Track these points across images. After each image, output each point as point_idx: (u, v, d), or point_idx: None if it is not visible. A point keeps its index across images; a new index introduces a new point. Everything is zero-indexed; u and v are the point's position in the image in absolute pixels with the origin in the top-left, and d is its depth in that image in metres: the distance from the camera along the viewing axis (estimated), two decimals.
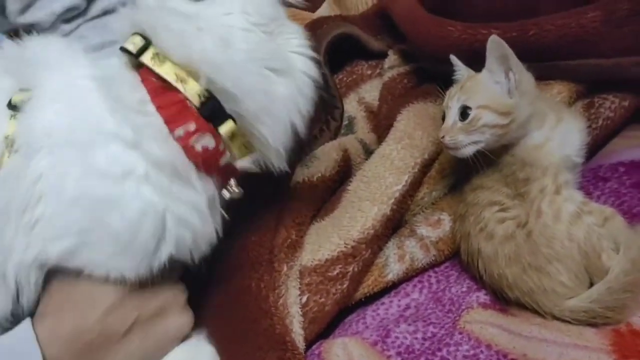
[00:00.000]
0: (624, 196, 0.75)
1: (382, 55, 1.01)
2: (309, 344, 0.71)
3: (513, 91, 0.69)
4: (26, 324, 0.52)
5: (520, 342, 0.64)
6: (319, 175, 0.83)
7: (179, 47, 0.55)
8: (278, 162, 0.63)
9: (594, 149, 0.82)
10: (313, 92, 0.63)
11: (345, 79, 1.03)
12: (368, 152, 0.90)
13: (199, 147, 0.56)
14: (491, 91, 0.70)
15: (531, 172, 0.70)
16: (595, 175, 0.79)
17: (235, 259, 0.71)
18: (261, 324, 0.65)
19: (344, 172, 0.86)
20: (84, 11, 0.72)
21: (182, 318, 0.60)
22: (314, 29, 1.01)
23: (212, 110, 0.56)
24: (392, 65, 0.98)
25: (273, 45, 0.59)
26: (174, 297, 0.59)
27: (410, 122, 0.82)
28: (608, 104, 0.81)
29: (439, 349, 0.66)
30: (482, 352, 0.64)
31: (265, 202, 0.75)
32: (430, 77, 0.93)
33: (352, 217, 0.75)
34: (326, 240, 0.74)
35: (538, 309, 0.67)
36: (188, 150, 0.55)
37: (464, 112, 0.69)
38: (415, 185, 0.78)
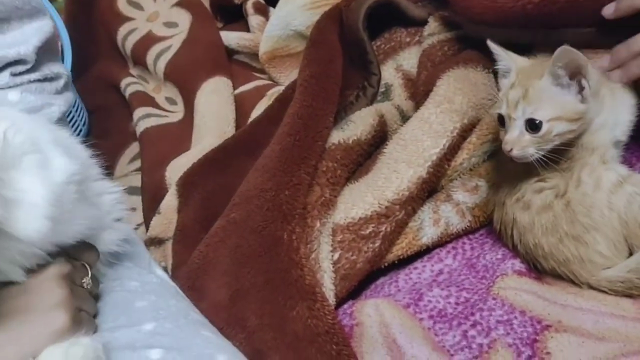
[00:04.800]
0: None
1: (422, 23, 0.99)
2: (340, 303, 0.71)
3: (587, 97, 0.65)
4: None
5: (555, 309, 0.64)
6: (355, 138, 0.82)
7: None
8: None
9: None
10: None
11: (383, 46, 1.02)
12: (405, 119, 0.89)
13: None
14: (560, 100, 0.65)
15: (577, 151, 0.67)
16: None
17: (267, 211, 0.71)
18: (291, 274, 0.66)
19: (380, 137, 0.86)
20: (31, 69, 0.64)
21: (50, 317, 0.51)
22: None
23: None
24: (432, 32, 0.96)
25: None
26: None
27: (451, 87, 0.81)
28: None
29: (472, 314, 0.66)
30: (516, 317, 0.64)
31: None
32: (471, 44, 0.91)
33: (387, 178, 0.75)
34: (360, 199, 0.74)
35: (574, 279, 0.66)
36: None
37: (532, 124, 0.65)
38: (453, 150, 0.77)
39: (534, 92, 0.66)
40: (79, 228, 0.55)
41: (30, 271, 0.51)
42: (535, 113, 0.65)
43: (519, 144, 0.65)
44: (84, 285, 0.56)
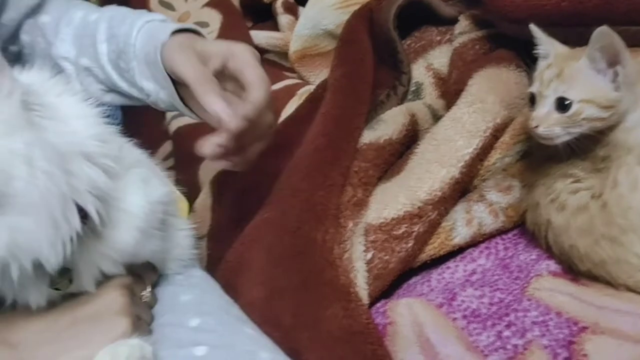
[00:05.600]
0: None
1: (453, 21, 0.99)
2: (373, 302, 0.71)
3: (621, 85, 0.64)
4: None
5: (592, 310, 0.63)
6: (386, 137, 0.82)
7: None
8: None
9: None
10: None
11: (413, 44, 1.01)
12: (436, 118, 0.89)
13: None
14: (594, 83, 0.65)
15: (613, 150, 0.66)
16: None
17: (301, 212, 0.72)
18: (326, 275, 0.67)
19: (411, 136, 0.86)
20: None
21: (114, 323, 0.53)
22: None
23: None
24: (463, 31, 0.95)
25: None
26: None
27: (483, 86, 0.81)
28: None
29: (507, 314, 0.65)
30: (551, 319, 0.63)
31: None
32: (502, 44, 0.90)
33: (420, 178, 0.75)
34: (392, 199, 0.74)
35: (611, 280, 0.65)
36: None
37: (562, 103, 0.64)
38: (486, 149, 0.77)
39: (569, 72, 0.65)
40: (148, 252, 0.58)
41: (99, 283, 0.54)
42: (567, 92, 0.64)
43: (546, 121, 0.65)
44: (143, 298, 0.59)
